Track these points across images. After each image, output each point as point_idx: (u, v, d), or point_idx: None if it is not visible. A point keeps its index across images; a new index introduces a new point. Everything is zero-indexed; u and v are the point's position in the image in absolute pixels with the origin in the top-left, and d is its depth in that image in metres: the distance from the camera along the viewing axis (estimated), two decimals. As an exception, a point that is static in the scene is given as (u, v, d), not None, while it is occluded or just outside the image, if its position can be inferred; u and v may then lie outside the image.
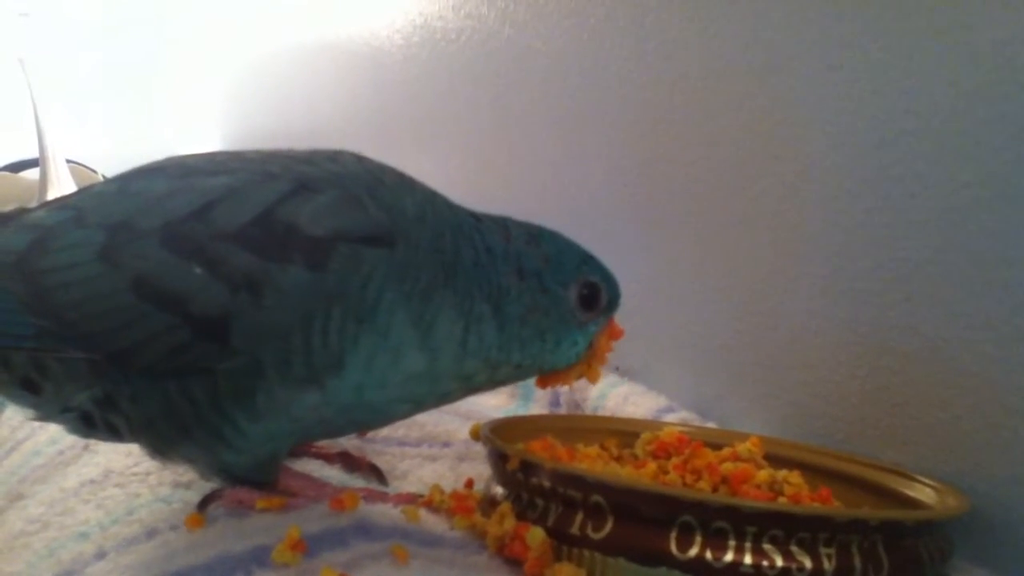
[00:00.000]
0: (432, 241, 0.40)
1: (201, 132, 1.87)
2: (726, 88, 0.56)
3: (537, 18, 0.76)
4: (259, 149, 0.42)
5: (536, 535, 0.37)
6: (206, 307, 0.36)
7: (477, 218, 0.43)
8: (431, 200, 0.42)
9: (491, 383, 0.43)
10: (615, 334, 0.45)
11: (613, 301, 0.44)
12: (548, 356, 0.43)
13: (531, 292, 0.42)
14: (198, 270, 0.36)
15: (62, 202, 0.42)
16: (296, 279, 0.36)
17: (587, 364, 0.45)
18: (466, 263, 0.40)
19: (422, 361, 0.39)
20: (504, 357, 0.42)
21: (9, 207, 0.44)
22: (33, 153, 1.37)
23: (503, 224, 0.43)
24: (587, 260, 0.44)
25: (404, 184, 0.42)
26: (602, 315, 0.44)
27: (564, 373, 0.45)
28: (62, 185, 1.32)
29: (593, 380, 0.45)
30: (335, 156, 0.41)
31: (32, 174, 1.47)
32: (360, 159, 0.42)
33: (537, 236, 0.43)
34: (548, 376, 0.45)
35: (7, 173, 1.54)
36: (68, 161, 1.37)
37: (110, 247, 0.37)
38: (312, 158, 0.41)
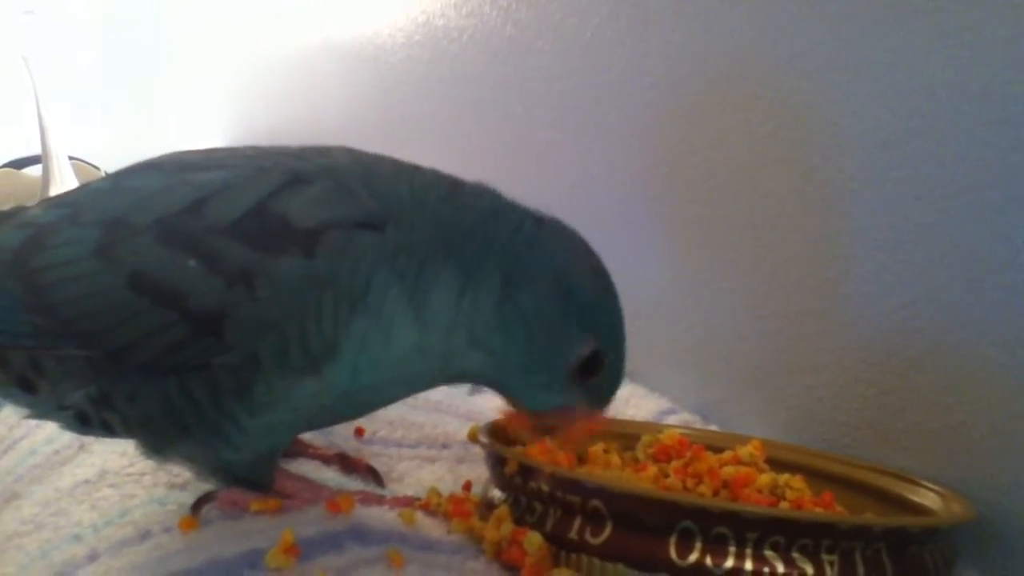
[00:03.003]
0: (434, 220, 0.38)
1: (204, 130, 1.87)
2: (729, 89, 0.56)
3: (539, 17, 0.76)
4: (253, 145, 0.42)
5: (534, 540, 0.36)
6: (203, 302, 0.36)
7: (540, 219, 0.41)
8: (449, 184, 0.40)
9: (463, 368, 0.40)
10: (594, 425, 0.41)
11: (608, 392, 0.41)
12: (520, 373, 0.40)
13: (550, 305, 0.39)
14: (193, 264, 0.36)
15: (57, 200, 0.42)
16: (289, 269, 0.36)
17: (560, 438, 0.41)
18: (494, 240, 0.39)
19: (414, 336, 0.38)
20: (485, 333, 0.39)
21: (9, 204, 0.44)
22: (36, 150, 1.37)
23: (577, 239, 0.41)
24: (618, 337, 0.41)
25: (402, 171, 0.41)
26: (589, 396, 0.41)
27: (526, 416, 0.41)
28: (65, 182, 1.32)
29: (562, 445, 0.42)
30: (325, 151, 0.41)
31: (35, 171, 1.47)
32: (351, 151, 0.42)
33: (602, 274, 0.41)
34: (527, 413, 0.42)
35: (10, 170, 1.54)
36: (71, 158, 1.37)
37: (105, 244, 0.37)
38: (303, 153, 0.40)
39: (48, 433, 0.53)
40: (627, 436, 0.51)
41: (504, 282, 0.39)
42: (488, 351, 0.39)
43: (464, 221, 0.39)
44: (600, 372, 0.40)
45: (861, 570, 0.34)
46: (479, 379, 0.42)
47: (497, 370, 0.40)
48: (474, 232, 0.39)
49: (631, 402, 0.61)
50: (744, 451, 0.47)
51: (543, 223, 0.41)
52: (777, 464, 0.47)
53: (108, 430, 0.40)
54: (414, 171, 0.41)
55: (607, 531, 0.36)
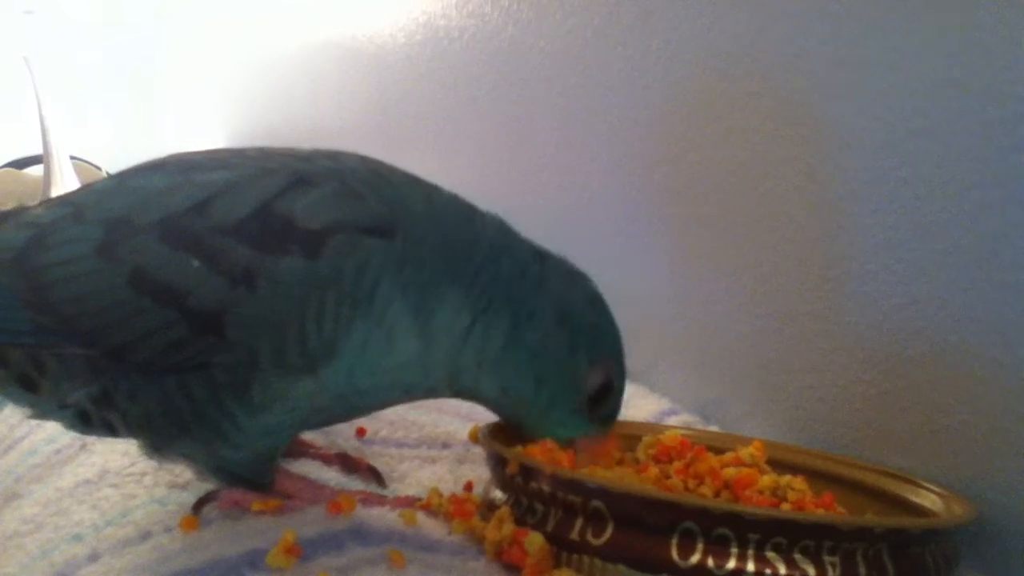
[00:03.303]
0: (444, 237, 0.39)
1: (206, 130, 1.87)
2: (731, 88, 0.56)
3: (540, 16, 0.76)
4: (259, 146, 0.42)
5: (535, 540, 0.36)
6: (204, 301, 0.36)
7: (543, 254, 0.42)
8: (467, 210, 0.42)
9: (473, 392, 0.42)
10: (611, 446, 0.44)
11: (613, 414, 0.44)
12: (531, 408, 0.42)
13: (558, 341, 0.41)
14: (196, 264, 0.36)
15: (60, 199, 0.42)
16: (292, 269, 0.36)
17: (571, 457, 0.43)
18: (503, 274, 0.40)
19: (413, 349, 0.39)
20: (495, 369, 0.41)
21: (11, 204, 0.44)
22: (37, 150, 1.37)
23: (575, 273, 0.43)
24: (623, 362, 0.43)
25: (421, 186, 0.42)
26: (599, 421, 0.43)
27: (555, 448, 0.42)
28: (66, 182, 1.32)
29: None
30: (335, 155, 0.41)
31: (36, 171, 1.47)
32: (363, 158, 0.42)
33: (600, 305, 0.43)
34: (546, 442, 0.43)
35: (11, 170, 1.54)
36: (72, 158, 1.38)
37: (108, 243, 0.37)
38: (312, 156, 0.40)
39: (49, 433, 0.53)
40: (628, 437, 0.51)
41: (513, 322, 0.40)
42: (501, 388, 0.41)
43: (476, 250, 0.40)
44: (610, 398, 0.43)
45: (863, 571, 0.33)
46: (494, 409, 0.44)
47: (513, 406, 0.42)
48: (485, 264, 0.40)
49: (632, 403, 0.61)
50: (745, 452, 0.47)
51: (546, 260, 0.42)
52: (778, 465, 0.47)
53: (109, 429, 0.40)
54: (434, 189, 0.42)
55: (608, 532, 0.35)
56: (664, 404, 0.61)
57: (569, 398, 0.42)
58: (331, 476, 0.46)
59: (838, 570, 0.33)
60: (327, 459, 0.48)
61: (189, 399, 0.37)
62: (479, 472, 0.48)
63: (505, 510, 0.39)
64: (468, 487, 0.47)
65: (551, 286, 0.41)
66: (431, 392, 0.42)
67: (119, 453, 0.48)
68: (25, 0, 1.31)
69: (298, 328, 0.36)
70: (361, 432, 0.54)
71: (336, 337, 0.37)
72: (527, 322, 0.40)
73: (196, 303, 0.36)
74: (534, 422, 0.43)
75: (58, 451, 0.51)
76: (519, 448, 0.43)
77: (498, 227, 0.42)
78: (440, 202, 0.41)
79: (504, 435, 0.45)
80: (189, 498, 0.42)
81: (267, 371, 0.37)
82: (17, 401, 0.41)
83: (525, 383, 0.41)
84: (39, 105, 1.31)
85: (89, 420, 0.40)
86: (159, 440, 0.39)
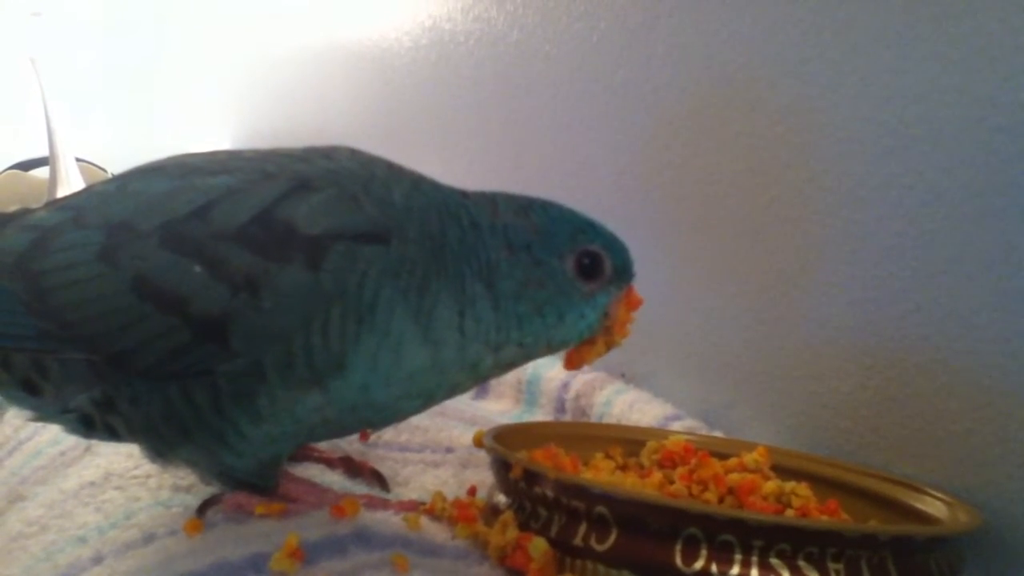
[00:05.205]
0: (421, 229, 0.39)
1: (210, 133, 1.87)
2: (736, 94, 0.56)
3: (546, 21, 0.76)
4: (257, 148, 0.42)
5: (539, 546, 0.36)
6: (206, 308, 0.36)
7: (464, 195, 0.41)
8: (417, 185, 0.41)
9: (499, 367, 0.41)
10: (633, 303, 0.42)
11: (623, 269, 0.42)
12: (553, 332, 0.40)
13: (523, 266, 0.39)
14: (198, 270, 0.36)
15: (62, 202, 0.42)
16: (293, 279, 0.36)
17: (608, 337, 0.42)
18: (452, 242, 0.39)
19: (425, 355, 0.38)
20: (503, 337, 0.40)
21: (14, 207, 0.44)
22: (43, 152, 1.38)
23: (491, 199, 0.41)
24: (584, 228, 0.41)
25: (393, 175, 0.41)
26: (612, 284, 0.41)
27: (585, 349, 0.42)
28: (71, 184, 1.32)
29: (616, 344, 0.43)
30: (330, 152, 0.41)
31: (42, 172, 1.47)
32: (354, 153, 0.42)
33: (527, 207, 0.41)
34: (570, 354, 0.42)
35: (17, 171, 1.54)
36: (78, 160, 1.38)
37: (109, 247, 0.37)
38: (308, 156, 0.40)
39: (53, 435, 0.53)
40: (632, 442, 0.51)
41: (486, 285, 0.39)
42: (519, 344, 0.40)
43: (434, 228, 0.39)
44: (602, 260, 0.41)
45: (867, 578, 0.33)
46: (522, 363, 0.42)
47: (537, 346, 0.41)
48: (446, 240, 0.39)
49: (636, 407, 0.61)
50: (749, 458, 0.47)
51: (467, 200, 0.41)
52: (782, 471, 0.47)
53: (112, 434, 0.40)
54: (399, 174, 0.41)
55: (612, 537, 0.35)
56: (668, 409, 0.61)
57: (569, 296, 0.40)
58: (335, 479, 0.46)
59: (842, 577, 0.33)
60: (331, 462, 0.48)
61: (191, 406, 0.37)
62: (483, 476, 0.48)
63: (509, 515, 0.39)
64: (472, 491, 0.46)
65: (484, 224, 0.40)
66: (453, 391, 0.41)
67: (123, 455, 0.48)
68: (32, 2, 1.32)
69: (304, 341, 0.36)
70: (364, 435, 0.54)
71: (343, 351, 0.37)
72: (493, 275, 0.39)
73: (198, 310, 0.36)
74: (561, 338, 0.41)
75: (62, 453, 0.51)
76: (523, 453, 0.43)
77: (432, 188, 0.41)
78: (408, 188, 0.40)
79: (508, 439, 0.45)
80: (193, 501, 0.42)
81: (274, 383, 0.37)
82: (20, 404, 0.41)
83: (532, 323, 0.40)
84: (45, 107, 1.31)
85: (92, 424, 0.40)
86: (162, 445, 0.39)
